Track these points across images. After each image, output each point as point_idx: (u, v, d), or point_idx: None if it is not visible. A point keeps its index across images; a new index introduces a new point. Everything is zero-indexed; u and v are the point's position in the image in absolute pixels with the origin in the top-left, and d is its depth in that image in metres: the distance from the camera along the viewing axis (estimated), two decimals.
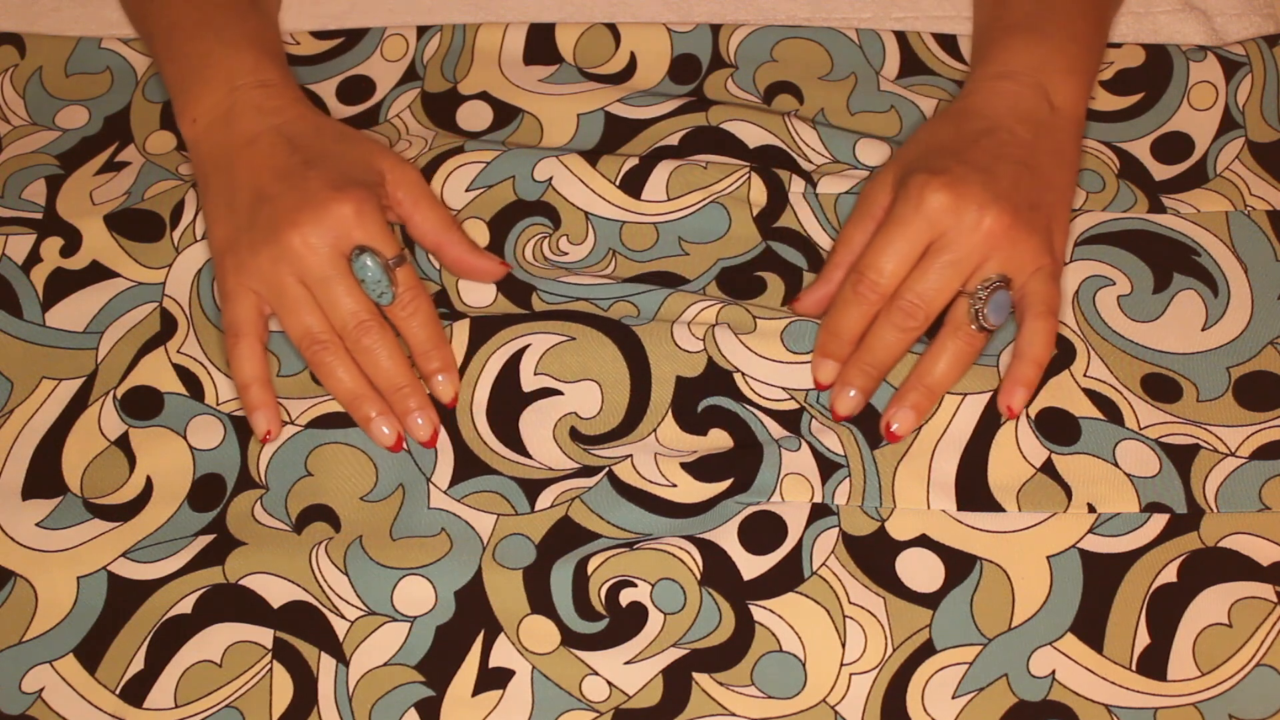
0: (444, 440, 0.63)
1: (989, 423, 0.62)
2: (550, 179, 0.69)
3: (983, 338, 0.61)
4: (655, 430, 0.63)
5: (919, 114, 0.71)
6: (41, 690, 0.58)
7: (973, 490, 0.61)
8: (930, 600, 0.59)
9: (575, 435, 0.63)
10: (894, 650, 0.58)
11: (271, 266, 0.62)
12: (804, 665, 0.58)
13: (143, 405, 0.64)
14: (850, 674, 0.57)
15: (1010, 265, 0.61)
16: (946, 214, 0.60)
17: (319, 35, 0.75)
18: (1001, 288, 0.61)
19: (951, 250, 0.60)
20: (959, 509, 0.61)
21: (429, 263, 0.67)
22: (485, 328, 0.64)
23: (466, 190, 0.69)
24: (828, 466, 0.61)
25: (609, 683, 0.58)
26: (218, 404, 0.64)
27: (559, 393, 0.63)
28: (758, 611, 0.58)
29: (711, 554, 0.59)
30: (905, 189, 0.61)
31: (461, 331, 0.64)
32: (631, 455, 0.62)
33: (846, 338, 0.62)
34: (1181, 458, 0.62)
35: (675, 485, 0.61)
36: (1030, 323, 0.62)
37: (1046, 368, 0.63)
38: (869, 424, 0.62)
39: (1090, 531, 0.60)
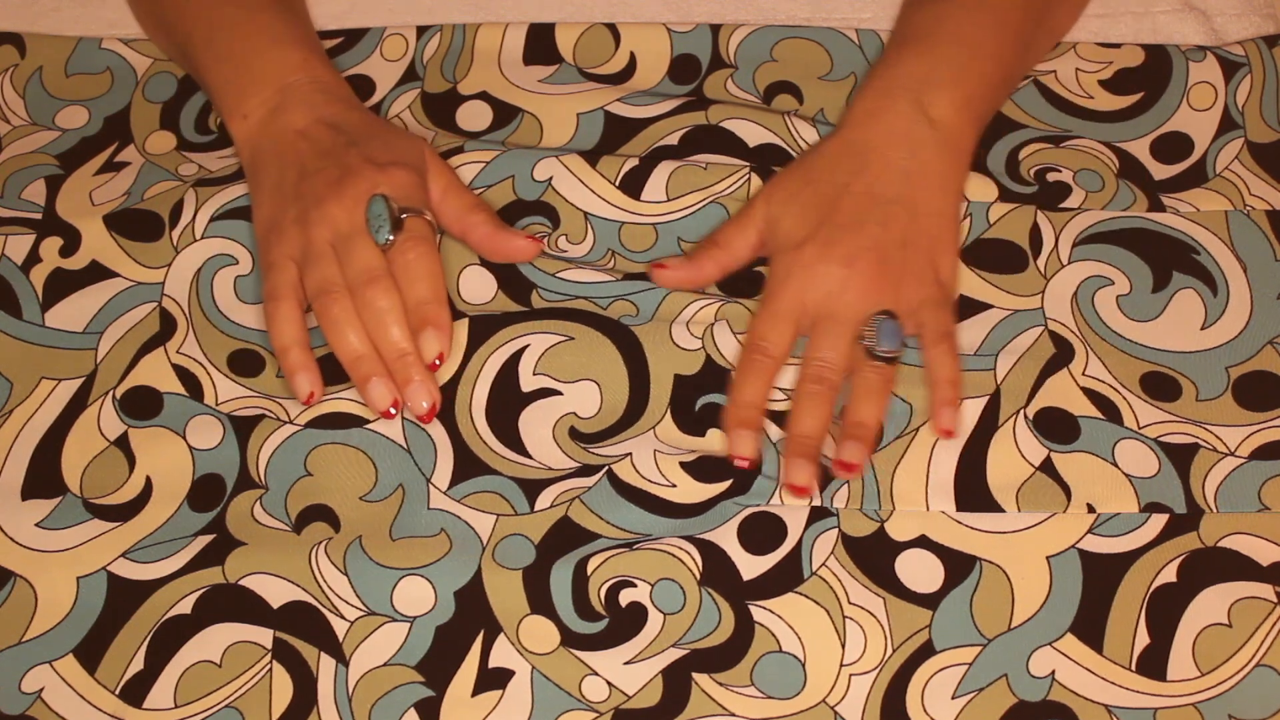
0: (444, 440, 0.63)
1: (987, 423, 0.62)
2: (550, 179, 0.69)
3: (890, 367, 0.62)
4: (654, 429, 0.63)
5: None
6: (41, 690, 0.58)
7: (972, 490, 0.61)
8: (930, 601, 0.59)
9: (575, 435, 0.63)
10: (894, 651, 0.58)
11: (308, 231, 0.63)
12: (804, 665, 0.58)
13: (142, 405, 0.64)
14: (850, 674, 0.57)
15: (892, 306, 0.62)
16: (817, 283, 0.62)
17: (319, 35, 0.75)
18: (886, 318, 0.62)
19: (832, 315, 0.62)
20: (958, 509, 0.61)
21: None
22: (484, 327, 0.64)
23: None
24: (825, 471, 0.61)
25: (609, 683, 0.57)
26: (217, 404, 0.64)
27: (558, 393, 0.63)
28: (757, 612, 0.58)
29: (711, 554, 0.59)
30: (773, 267, 0.64)
31: (460, 331, 0.64)
32: (631, 453, 0.62)
33: (758, 405, 0.62)
34: (1181, 457, 0.62)
35: (675, 485, 0.61)
36: (929, 350, 0.63)
37: (1047, 367, 0.63)
38: None
39: (1090, 532, 0.60)
